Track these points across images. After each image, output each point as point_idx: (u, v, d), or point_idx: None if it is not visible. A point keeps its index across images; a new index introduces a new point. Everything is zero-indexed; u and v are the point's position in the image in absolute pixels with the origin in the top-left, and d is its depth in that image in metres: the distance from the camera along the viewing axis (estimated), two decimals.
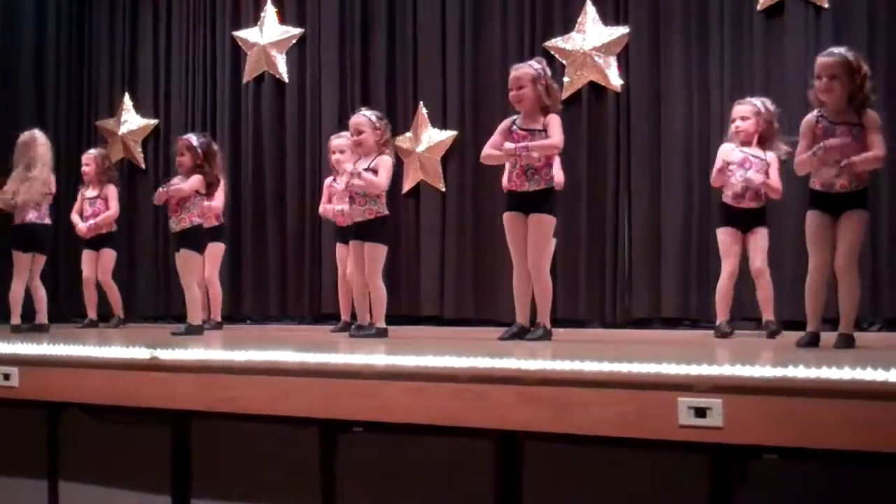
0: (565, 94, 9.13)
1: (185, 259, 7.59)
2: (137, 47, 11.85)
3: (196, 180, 7.54)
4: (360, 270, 7.13)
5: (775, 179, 7.00)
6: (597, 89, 9.20)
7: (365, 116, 7.25)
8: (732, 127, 7.16)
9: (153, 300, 11.27)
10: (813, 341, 5.56)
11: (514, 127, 6.56)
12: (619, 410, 3.54)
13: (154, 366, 4.74)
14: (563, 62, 9.24)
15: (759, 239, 7.03)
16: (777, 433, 3.28)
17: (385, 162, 7.09)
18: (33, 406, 5.03)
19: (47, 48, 11.63)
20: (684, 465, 3.50)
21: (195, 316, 7.57)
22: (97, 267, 9.31)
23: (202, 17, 11.42)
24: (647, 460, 3.56)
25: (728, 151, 7.13)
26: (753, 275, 7.06)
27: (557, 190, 6.80)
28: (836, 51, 5.56)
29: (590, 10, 9.19)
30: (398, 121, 9.85)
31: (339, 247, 8.25)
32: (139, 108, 11.70)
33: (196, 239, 7.68)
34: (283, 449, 4.36)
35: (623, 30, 9.11)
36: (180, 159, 7.66)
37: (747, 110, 7.12)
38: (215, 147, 8.00)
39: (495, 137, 6.64)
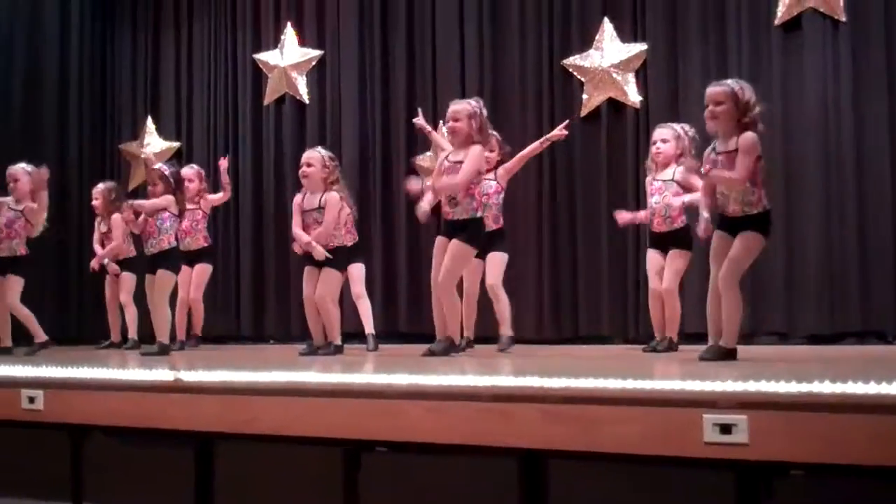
0: (584, 111, 9.19)
1: (162, 279, 7.80)
2: (159, 70, 11.94)
3: (166, 199, 7.76)
4: (311, 294, 7.61)
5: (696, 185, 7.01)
6: (615, 106, 9.22)
7: (318, 153, 7.70)
8: (652, 149, 7.34)
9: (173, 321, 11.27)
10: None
11: (445, 161, 6.87)
12: (643, 428, 3.52)
13: (177, 387, 4.75)
14: (582, 79, 9.27)
15: (671, 261, 7.22)
16: (803, 449, 3.26)
17: (332, 200, 7.53)
18: (58, 429, 5.03)
19: (70, 72, 11.70)
20: (710, 482, 3.48)
21: (165, 334, 7.86)
22: (118, 290, 9.39)
23: (223, 40, 11.49)
24: (672, 478, 3.54)
25: (648, 182, 7.46)
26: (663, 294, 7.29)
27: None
28: (723, 81, 5.87)
29: (607, 28, 9.21)
30: (418, 140, 9.88)
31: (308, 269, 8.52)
32: (161, 131, 11.76)
33: (173, 260, 7.92)
34: (306, 469, 4.35)
35: (641, 46, 9.13)
36: (154, 189, 7.89)
37: (667, 133, 7.31)
38: (182, 174, 8.37)
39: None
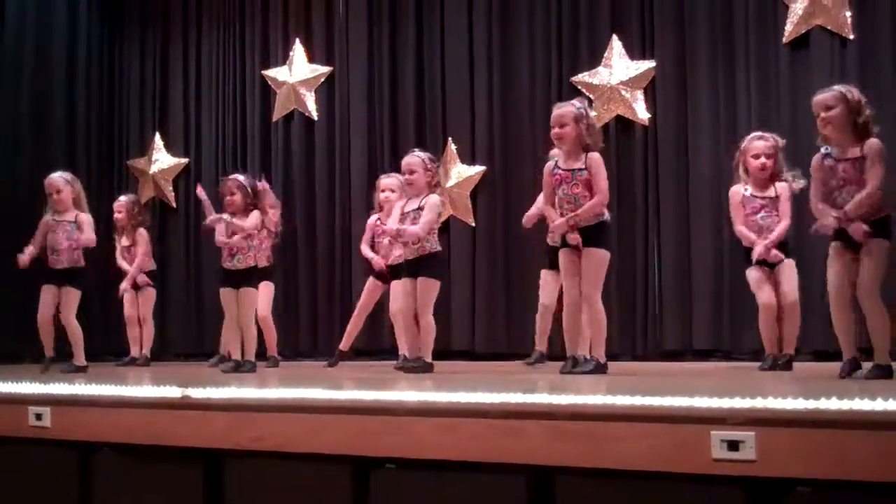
0: None
1: (250, 296, 7.79)
2: (168, 87, 11.96)
3: (256, 217, 7.76)
4: (408, 306, 7.23)
5: (785, 212, 6.86)
6: (624, 123, 9.24)
7: (418, 157, 7.37)
8: (757, 163, 6.83)
9: (185, 338, 11.30)
10: (854, 367, 5.55)
11: (556, 169, 6.58)
12: (651, 444, 3.52)
13: (185, 404, 4.75)
14: (591, 97, 9.26)
15: (789, 271, 6.87)
16: (811, 466, 3.26)
17: (432, 201, 7.20)
18: (65, 446, 5.04)
19: (78, 88, 11.72)
20: (718, 498, 3.48)
21: (251, 351, 7.80)
22: (138, 305, 9.39)
23: (231, 56, 11.52)
24: (680, 494, 3.54)
25: (742, 195, 6.95)
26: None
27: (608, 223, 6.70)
28: (829, 88, 5.70)
29: (616, 45, 9.23)
30: None
31: (372, 281, 8.50)
32: (170, 147, 11.79)
33: (255, 278, 7.94)
34: (315, 487, 4.35)
35: (649, 64, 9.14)
36: (231, 198, 7.78)
37: (771, 147, 6.88)
38: (260, 186, 8.19)
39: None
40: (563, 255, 6.56)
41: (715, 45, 8.88)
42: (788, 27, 8.46)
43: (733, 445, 3.36)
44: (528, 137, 9.53)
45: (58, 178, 8.30)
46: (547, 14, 9.65)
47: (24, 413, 5.10)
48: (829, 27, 8.29)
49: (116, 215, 9.54)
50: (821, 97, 5.62)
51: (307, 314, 10.71)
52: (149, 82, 12.06)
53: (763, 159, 6.86)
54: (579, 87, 9.33)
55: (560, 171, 6.54)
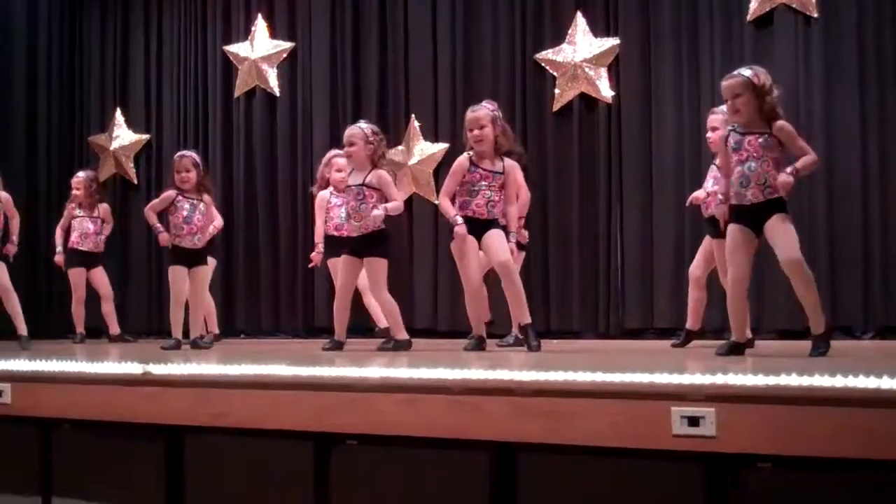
0: (556, 106, 9.21)
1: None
2: (129, 62, 11.87)
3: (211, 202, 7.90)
4: (350, 286, 7.11)
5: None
6: (588, 101, 9.24)
7: (359, 129, 7.05)
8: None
9: (146, 316, 11.24)
10: (736, 350, 5.52)
11: (473, 168, 6.62)
12: (612, 421, 3.53)
13: (147, 381, 4.73)
14: (554, 74, 9.28)
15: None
16: (770, 441, 3.28)
17: (386, 180, 6.97)
18: (26, 423, 5.01)
19: (39, 64, 11.63)
20: (678, 474, 3.50)
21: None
22: (96, 284, 9.34)
23: (193, 32, 11.44)
24: (641, 470, 3.55)
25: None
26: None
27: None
28: (735, 72, 5.60)
29: (580, 22, 9.23)
30: (390, 134, 9.84)
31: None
32: (131, 124, 11.71)
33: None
34: (277, 463, 4.35)
35: (613, 41, 9.15)
36: (186, 175, 7.60)
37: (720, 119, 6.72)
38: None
39: (451, 181, 6.71)
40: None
41: (679, 23, 8.90)
42: (753, 5, 8.49)
43: (693, 421, 3.37)
44: None
45: None
46: None
47: None
48: (793, 5, 8.32)
49: (74, 191, 9.46)
50: (728, 83, 5.54)
51: (269, 291, 10.67)
52: (109, 58, 11.97)
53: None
54: (543, 65, 9.33)
55: (479, 171, 6.63)
